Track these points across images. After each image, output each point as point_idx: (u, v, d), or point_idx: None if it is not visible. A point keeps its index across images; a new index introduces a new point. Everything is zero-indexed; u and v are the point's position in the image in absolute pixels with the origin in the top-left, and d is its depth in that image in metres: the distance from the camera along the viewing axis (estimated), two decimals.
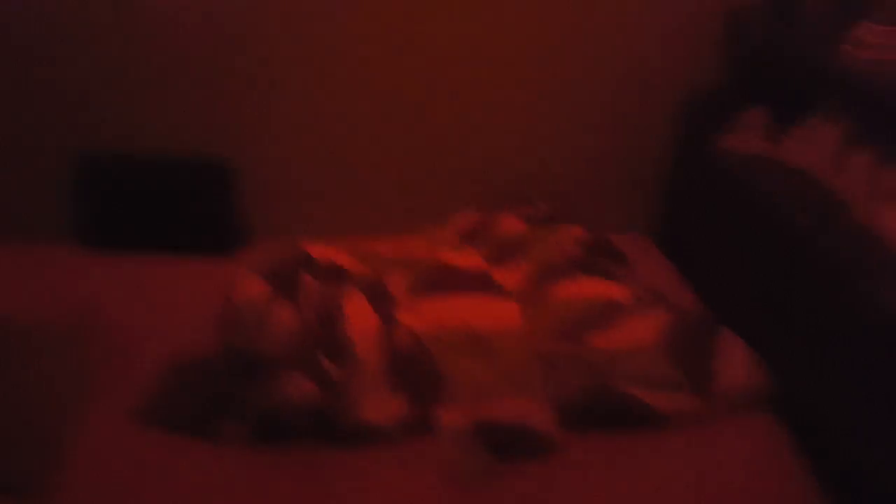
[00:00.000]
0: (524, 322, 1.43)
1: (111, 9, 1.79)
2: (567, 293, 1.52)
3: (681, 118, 1.98)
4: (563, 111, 1.97)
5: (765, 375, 1.38)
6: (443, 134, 1.98)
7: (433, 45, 1.87)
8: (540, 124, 1.99)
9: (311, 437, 1.31)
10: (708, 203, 1.85)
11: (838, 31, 1.39)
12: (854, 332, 1.20)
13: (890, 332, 1.09)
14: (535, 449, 1.28)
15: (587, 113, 1.98)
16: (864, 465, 1.18)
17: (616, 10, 1.86)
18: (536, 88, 1.95)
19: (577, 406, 1.33)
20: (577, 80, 1.94)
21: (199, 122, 1.93)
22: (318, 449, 1.31)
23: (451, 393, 1.33)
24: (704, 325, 1.47)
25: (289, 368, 1.34)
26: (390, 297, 1.50)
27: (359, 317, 1.41)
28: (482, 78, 1.92)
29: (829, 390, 1.28)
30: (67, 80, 1.87)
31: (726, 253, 1.72)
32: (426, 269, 1.56)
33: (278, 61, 1.88)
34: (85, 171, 1.93)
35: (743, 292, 1.61)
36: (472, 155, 2.01)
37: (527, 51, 1.90)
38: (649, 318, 1.44)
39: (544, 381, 1.36)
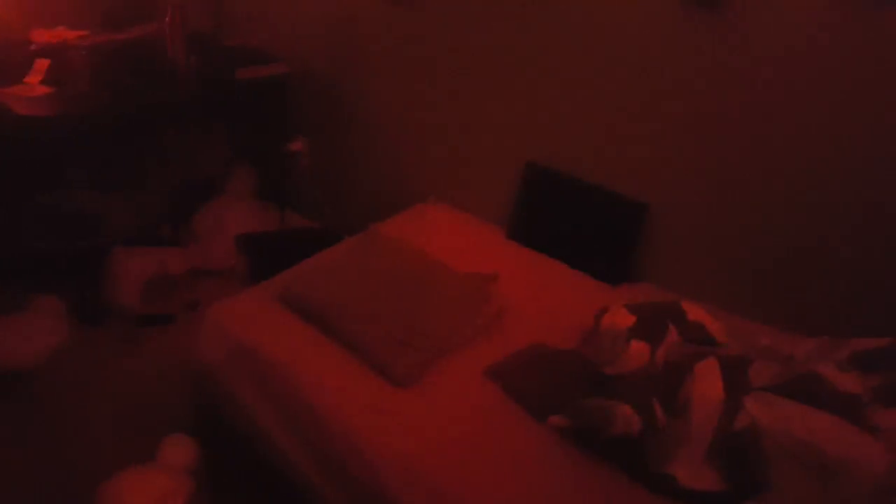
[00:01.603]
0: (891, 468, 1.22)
1: (581, 51, 2.15)
2: None
3: None
4: None
5: None
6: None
7: None
8: None
9: (619, 463, 1.42)
10: None
11: None
12: None
13: None
14: None
15: None
16: None
17: None
18: None
19: None
20: None
21: (623, 164, 2.16)
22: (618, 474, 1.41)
23: (771, 498, 1.24)
24: None
25: (623, 397, 1.46)
26: (747, 381, 1.46)
27: (707, 384, 1.43)
28: None
29: None
30: (526, 106, 2.34)
31: None
32: (799, 373, 1.46)
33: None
34: (527, 176, 2.38)
35: None
36: None
37: None
38: None
39: None
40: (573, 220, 2.27)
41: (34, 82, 2.58)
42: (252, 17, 3.14)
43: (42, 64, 2.62)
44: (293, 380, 1.69)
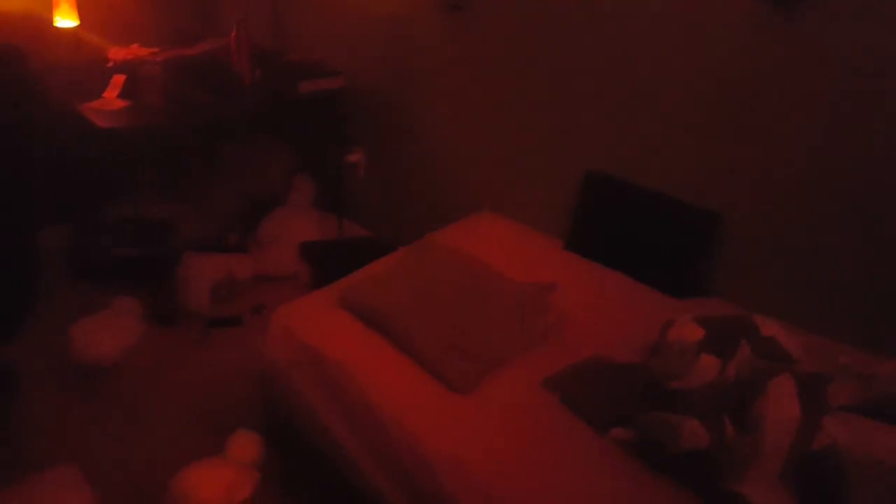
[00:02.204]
0: None
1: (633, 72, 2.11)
2: None
3: None
4: None
5: None
6: None
7: None
8: None
9: (684, 479, 1.38)
10: None
11: None
12: None
13: None
14: None
15: None
16: None
17: None
18: None
19: None
20: None
21: (694, 172, 2.10)
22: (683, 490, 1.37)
23: None
24: None
25: (691, 411, 1.41)
26: (826, 400, 1.39)
27: (781, 401, 1.37)
28: None
29: None
30: (586, 113, 2.31)
31: None
32: (883, 393, 1.38)
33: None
34: (587, 185, 2.35)
35: None
36: None
37: None
38: None
39: None
40: (637, 231, 2.21)
41: (112, 97, 2.73)
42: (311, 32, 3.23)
43: (119, 79, 2.77)
44: (354, 380, 1.72)
